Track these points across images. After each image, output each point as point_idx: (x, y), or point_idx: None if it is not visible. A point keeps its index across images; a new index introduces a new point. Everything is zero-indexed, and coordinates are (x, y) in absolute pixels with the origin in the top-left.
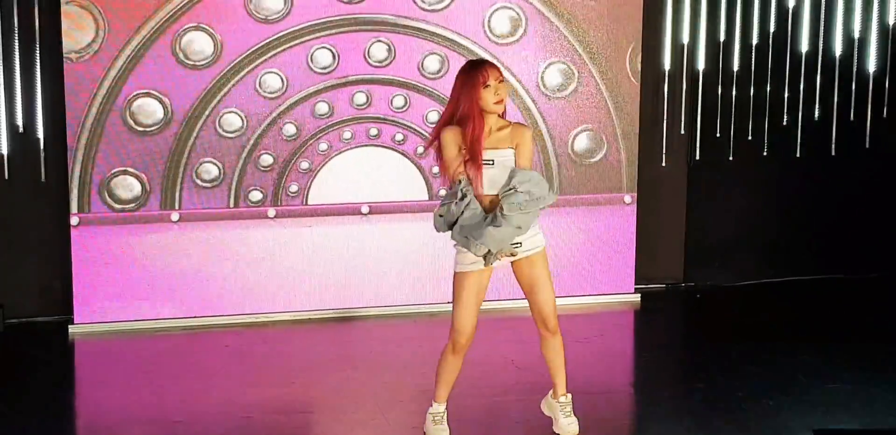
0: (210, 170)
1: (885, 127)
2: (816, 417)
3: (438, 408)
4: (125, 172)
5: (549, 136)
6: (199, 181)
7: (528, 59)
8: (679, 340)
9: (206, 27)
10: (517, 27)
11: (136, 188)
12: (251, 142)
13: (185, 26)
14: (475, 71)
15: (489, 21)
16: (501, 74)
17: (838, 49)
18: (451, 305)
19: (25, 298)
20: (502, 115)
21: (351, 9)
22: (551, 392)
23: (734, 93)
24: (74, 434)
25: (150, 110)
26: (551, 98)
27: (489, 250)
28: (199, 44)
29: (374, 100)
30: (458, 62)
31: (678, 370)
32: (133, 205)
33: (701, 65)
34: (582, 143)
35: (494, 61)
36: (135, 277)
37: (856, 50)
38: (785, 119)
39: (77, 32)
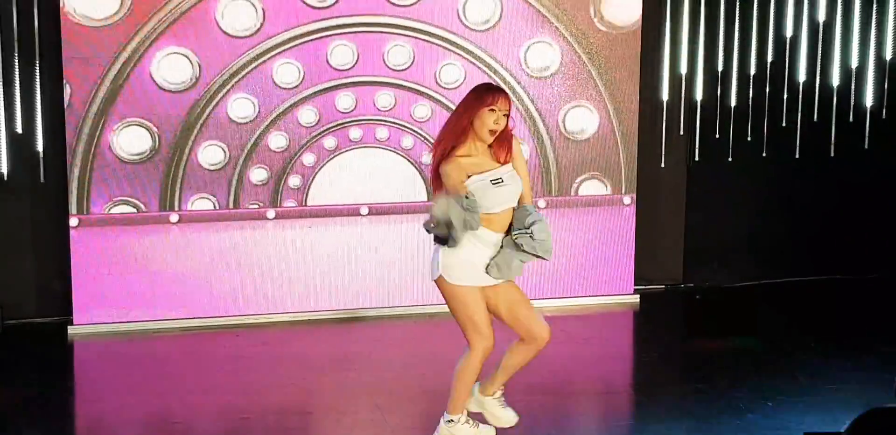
0: (215, 153)
1: (884, 127)
2: (814, 418)
3: (464, 416)
4: (125, 202)
5: (537, 114)
6: (204, 164)
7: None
8: (678, 340)
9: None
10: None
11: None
12: (256, 133)
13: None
14: (488, 93)
15: (464, 10)
16: (510, 108)
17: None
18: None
19: (25, 299)
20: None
21: (329, 12)
22: (481, 389)
23: (733, 94)
24: None
25: (141, 137)
26: (538, 78)
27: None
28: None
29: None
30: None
31: (677, 371)
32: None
33: (700, 65)
34: (574, 126)
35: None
36: (134, 279)
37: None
38: (784, 120)
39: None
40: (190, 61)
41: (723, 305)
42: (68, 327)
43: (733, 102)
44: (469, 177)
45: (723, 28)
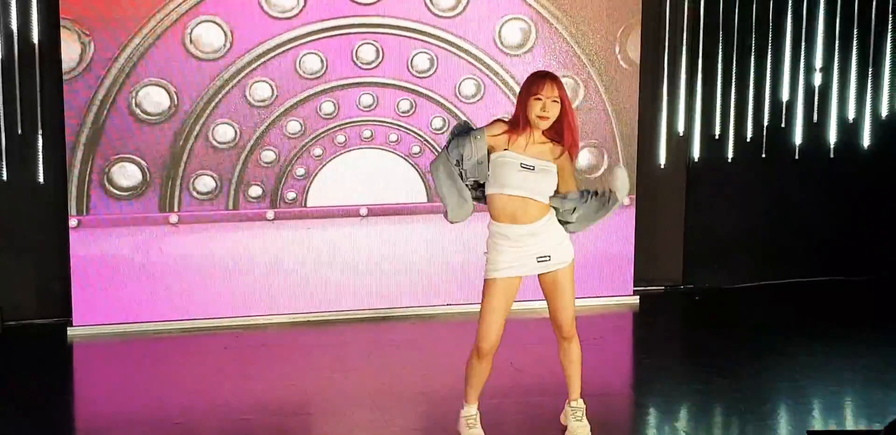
0: (223, 133)
1: (884, 129)
2: (815, 419)
3: (470, 410)
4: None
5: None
6: (215, 142)
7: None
8: (678, 342)
9: (217, 20)
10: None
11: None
12: (251, 142)
13: (198, 19)
14: (535, 82)
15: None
16: (560, 92)
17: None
18: (451, 307)
19: (24, 300)
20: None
21: (294, 23)
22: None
23: (733, 93)
24: None
25: (153, 107)
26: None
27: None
28: (208, 37)
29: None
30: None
31: (677, 372)
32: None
33: (700, 65)
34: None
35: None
36: (133, 279)
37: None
38: (784, 121)
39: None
40: (224, 32)
41: (722, 307)
42: (68, 328)
43: (732, 102)
44: (505, 150)
45: (722, 32)
